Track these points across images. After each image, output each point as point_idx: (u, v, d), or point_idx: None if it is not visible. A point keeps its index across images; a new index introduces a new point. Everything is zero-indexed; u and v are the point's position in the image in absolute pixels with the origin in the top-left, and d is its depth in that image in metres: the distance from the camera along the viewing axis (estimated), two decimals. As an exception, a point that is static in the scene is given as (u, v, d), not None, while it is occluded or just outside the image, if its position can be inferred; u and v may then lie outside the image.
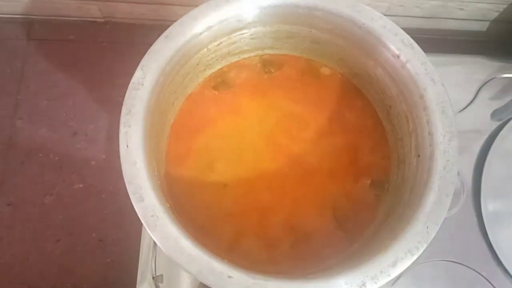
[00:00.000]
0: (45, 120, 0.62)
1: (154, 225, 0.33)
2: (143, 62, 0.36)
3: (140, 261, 0.49)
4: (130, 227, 0.59)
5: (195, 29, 0.38)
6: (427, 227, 0.34)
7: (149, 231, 0.33)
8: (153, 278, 0.48)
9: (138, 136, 0.35)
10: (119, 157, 0.34)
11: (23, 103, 0.63)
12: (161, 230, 0.32)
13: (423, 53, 0.38)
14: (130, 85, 0.36)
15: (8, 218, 0.59)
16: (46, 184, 0.60)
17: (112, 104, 0.63)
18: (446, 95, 0.37)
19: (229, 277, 0.32)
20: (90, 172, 0.60)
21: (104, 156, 0.61)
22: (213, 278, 0.32)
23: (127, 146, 0.34)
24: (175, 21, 0.65)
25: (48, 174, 0.60)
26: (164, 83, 0.38)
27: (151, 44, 0.65)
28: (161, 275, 0.48)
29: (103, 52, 0.65)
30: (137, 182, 0.33)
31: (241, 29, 0.41)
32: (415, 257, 0.33)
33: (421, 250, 0.33)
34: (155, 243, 0.49)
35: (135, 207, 0.33)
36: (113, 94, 0.64)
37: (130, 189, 0.33)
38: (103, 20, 0.66)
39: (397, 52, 0.39)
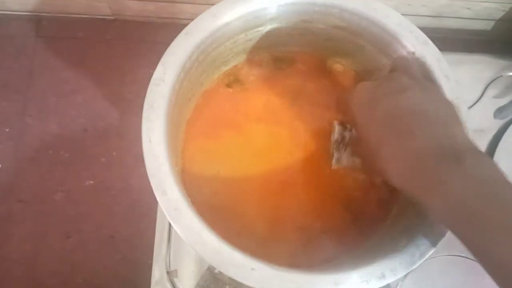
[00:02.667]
0: (54, 117, 0.62)
1: (177, 218, 0.33)
2: (164, 58, 0.37)
3: (154, 256, 0.49)
4: (141, 223, 0.59)
5: (214, 25, 0.38)
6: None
7: (173, 224, 0.33)
8: (167, 273, 0.49)
9: (160, 131, 0.35)
10: (140, 153, 0.34)
11: (32, 100, 0.63)
12: (184, 223, 0.33)
13: (438, 50, 0.39)
14: (152, 81, 0.36)
15: (18, 215, 0.59)
16: (56, 180, 0.60)
17: (121, 101, 0.63)
18: (460, 92, 0.38)
19: (252, 269, 0.32)
20: (100, 169, 0.61)
21: (114, 153, 0.61)
22: (236, 270, 0.32)
23: (150, 140, 0.35)
24: (183, 18, 0.66)
25: (58, 170, 0.60)
26: (184, 79, 0.38)
27: (159, 42, 0.65)
28: (175, 270, 0.49)
29: (112, 49, 0.66)
30: (160, 176, 0.34)
31: (258, 26, 0.42)
32: (432, 250, 0.34)
33: (438, 243, 0.34)
34: (169, 238, 0.50)
35: (158, 200, 0.33)
36: (123, 91, 0.64)
37: (153, 183, 0.34)
38: (112, 17, 0.66)
39: (412, 49, 0.39)
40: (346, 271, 0.33)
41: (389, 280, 0.33)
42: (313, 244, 0.40)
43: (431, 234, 0.34)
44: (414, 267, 0.33)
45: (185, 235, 0.33)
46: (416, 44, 0.39)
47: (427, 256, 0.34)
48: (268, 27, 0.43)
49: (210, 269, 0.49)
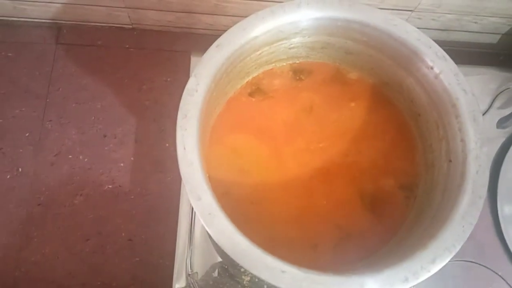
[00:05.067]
0: (74, 123, 0.64)
1: (211, 222, 0.35)
2: (197, 70, 0.39)
3: (175, 259, 0.51)
4: (159, 227, 0.60)
5: (243, 39, 0.40)
6: (463, 226, 0.37)
7: (206, 228, 0.35)
8: (188, 275, 0.50)
9: (194, 139, 0.37)
10: (176, 159, 0.36)
11: (52, 105, 0.64)
12: (217, 227, 0.35)
13: (455, 65, 0.41)
14: (185, 91, 0.38)
15: (38, 218, 0.60)
16: (76, 185, 0.62)
17: (139, 108, 0.65)
18: (477, 104, 0.40)
19: (282, 271, 0.34)
20: (119, 173, 0.62)
21: (132, 158, 0.63)
22: (267, 272, 0.34)
23: (184, 148, 0.36)
24: (201, 29, 0.68)
25: (78, 175, 0.62)
26: (214, 90, 0.40)
27: (177, 51, 0.68)
28: (196, 272, 0.50)
29: (130, 57, 0.67)
30: (194, 182, 0.36)
31: (282, 39, 0.44)
32: (452, 254, 0.36)
33: (458, 248, 0.36)
34: (190, 241, 0.51)
35: (193, 205, 0.35)
36: (140, 98, 0.66)
37: (188, 189, 0.35)
38: (130, 26, 0.68)
39: (431, 64, 0.41)
40: (370, 274, 0.35)
41: (412, 283, 0.35)
42: (341, 246, 0.42)
43: (450, 238, 0.36)
44: (435, 270, 0.35)
45: (218, 239, 0.34)
46: (435, 59, 0.41)
47: (447, 261, 0.36)
48: (292, 40, 0.45)
49: (223, 271, 0.50)
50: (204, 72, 0.39)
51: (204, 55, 0.39)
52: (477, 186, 0.38)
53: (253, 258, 0.34)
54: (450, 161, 0.40)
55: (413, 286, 0.52)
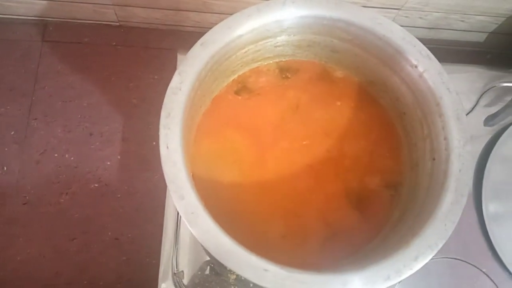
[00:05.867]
0: (60, 121, 0.63)
1: (195, 222, 0.35)
2: (181, 67, 0.38)
3: (161, 257, 0.51)
4: (146, 225, 0.60)
5: (228, 37, 0.40)
6: (445, 224, 0.37)
7: (190, 228, 0.34)
8: (174, 274, 0.50)
9: (177, 138, 0.37)
10: (155, 158, 0.36)
11: (38, 103, 0.64)
12: (201, 227, 0.34)
13: (439, 63, 0.41)
14: (169, 90, 0.38)
15: (24, 217, 0.60)
16: (62, 183, 0.61)
17: (126, 106, 0.65)
18: (460, 103, 0.40)
19: (265, 270, 0.34)
20: (105, 172, 0.62)
21: (119, 157, 0.62)
22: (250, 271, 0.34)
23: (168, 147, 0.36)
24: (188, 26, 0.68)
25: (64, 173, 0.61)
26: (198, 88, 0.40)
27: (164, 48, 0.67)
28: (182, 271, 0.50)
29: (117, 55, 0.67)
30: (177, 182, 0.35)
31: (268, 38, 0.44)
32: (434, 252, 0.36)
33: (440, 246, 0.36)
34: (176, 240, 0.51)
35: (176, 205, 0.35)
36: (127, 96, 0.65)
37: (171, 188, 0.35)
38: (117, 24, 0.67)
39: (415, 63, 0.41)
40: (353, 272, 0.35)
41: (395, 281, 0.35)
42: (327, 244, 0.42)
43: (433, 236, 0.36)
44: (417, 268, 0.35)
45: (201, 238, 0.34)
46: (419, 58, 0.41)
47: (429, 259, 0.36)
48: (278, 38, 0.44)
49: (210, 270, 0.50)
50: (188, 70, 0.38)
51: (189, 53, 0.39)
52: (460, 185, 0.38)
53: (236, 257, 0.34)
54: (434, 159, 0.41)
55: (399, 283, 0.52)
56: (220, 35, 0.40)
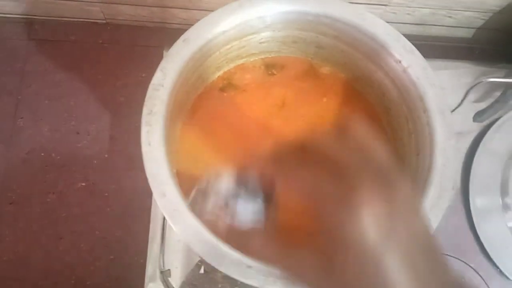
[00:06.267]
0: (46, 120, 0.63)
1: (177, 219, 0.34)
2: (163, 64, 0.38)
3: (148, 256, 0.50)
4: (133, 224, 0.60)
5: (211, 33, 0.40)
6: (430, 219, 0.37)
7: (172, 225, 0.34)
8: (161, 272, 0.50)
9: (159, 135, 0.36)
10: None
11: (24, 102, 0.63)
12: (183, 224, 0.34)
13: (423, 58, 0.41)
14: (151, 86, 0.38)
15: (10, 217, 0.59)
16: (49, 183, 0.61)
17: (113, 104, 0.64)
18: (445, 98, 0.40)
19: (249, 267, 0.34)
20: (92, 171, 0.61)
21: (106, 155, 0.62)
22: (234, 268, 0.34)
23: (149, 144, 0.36)
24: (175, 23, 0.67)
25: (50, 173, 0.61)
26: (181, 85, 0.40)
27: (151, 46, 0.67)
28: (169, 269, 0.50)
29: (104, 53, 0.66)
30: (159, 179, 0.35)
31: (252, 34, 0.43)
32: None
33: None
34: (163, 238, 0.51)
35: (158, 202, 0.35)
36: (115, 95, 0.65)
37: (152, 185, 0.35)
38: (104, 21, 0.67)
39: (399, 58, 0.41)
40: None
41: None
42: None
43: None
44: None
45: (184, 235, 0.34)
46: (403, 53, 0.41)
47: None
48: (262, 34, 0.44)
49: (197, 268, 0.50)
50: (170, 67, 0.38)
51: (171, 49, 0.39)
52: (444, 179, 0.38)
53: (219, 254, 0.34)
54: (418, 155, 0.41)
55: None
56: (202, 31, 0.40)
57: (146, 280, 0.50)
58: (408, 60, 0.41)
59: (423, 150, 0.40)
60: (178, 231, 0.34)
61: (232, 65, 0.48)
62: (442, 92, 0.40)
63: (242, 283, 0.34)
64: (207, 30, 0.40)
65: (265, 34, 0.44)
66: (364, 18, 0.42)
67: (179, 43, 0.39)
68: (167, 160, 0.36)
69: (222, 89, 0.48)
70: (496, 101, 0.60)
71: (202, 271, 0.50)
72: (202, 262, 0.50)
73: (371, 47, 0.43)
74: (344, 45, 0.44)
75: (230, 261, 0.34)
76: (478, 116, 0.62)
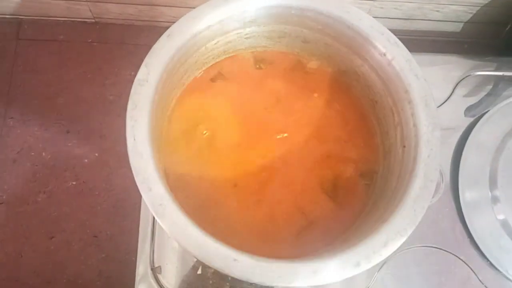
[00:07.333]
0: (36, 119, 0.63)
1: (162, 213, 0.34)
2: (147, 59, 0.38)
3: (138, 253, 0.50)
4: (124, 222, 0.60)
5: (195, 28, 0.40)
6: (415, 210, 0.37)
7: (158, 219, 0.34)
8: (151, 269, 0.50)
9: (144, 130, 0.36)
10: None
11: (13, 102, 0.63)
12: (169, 219, 0.34)
13: (407, 50, 0.41)
14: (135, 81, 0.38)
15: (1, 216, 0.59)
16: (39, 182, 0.61)
17: (103, 103, 0.64)
18: (429, 90, 0.40)
19: (235, 260, 0.34)
20: (83, 169, 0.61)
21: (96, 154, 0.62)
22: (220, 261, 0.34)
23: (134, 139, 0.36)
24: (163, 21, 0.67)
25: (41, 172, 0.61)
26: (166, 80, 0.40)
27: (140, 44, 0.67)
28: (159, 266, 0.50)
29: (93, 52, 0.66)
30: (144, 173, 0.35)
31: (237, 28, 0.43)
32: (404, 238, 0.36)
33: (410, 232, 0.36)
34: (153, 235, 0.51)
35: (143, 196, 0.35)
36: (104, 93, 0.65)
37: (138, 180, 0.35)
38: (93, 20, 0.67)
39: (384, 50, 0.42)
40: (323, 260, 0.35)
41: (365, 267, 0.35)
42: (303, 234, 0.42)
43: (402, 222, 0.36)
44: (387, 254, 0.35)
45: (170, 230, 0.34)
46: (387, 46, 0.41)
47: (399, 245, 0.36)
48: (247, 29, 0.44)
49: (195, 268, 0.50)
50: (154, 62, 0.38)
51: (155, 44, 0.39)
52: (429, 170, 0.38)
53: (205, 247, 0.34)
54: (404, 146, 0.41)
55: (378, 273, 0.52)
56: (186, 26, 0.40)
57: (137, 277, 0.50)
58: (392, 53, 0.41)
59: (409, 142, 0.40)
60: (164, 225, 0.34)
61: (218, 60, 0.48)
62: (426, 83, 0.40)
63: (233, 278, 0.34)
64: (191, 25, 0.40)
65: (250, 29, 0.44)
66: (348, 11, 0.42)
67: (163, 38, 0.39)
68: (152, 155, 0.36)
69: (210, 82, 0.48)
70: (488, 94, 0.61)
71: (199, 271, 0.50)
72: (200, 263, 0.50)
73: (356, 41, 0.43)
74: (329, 38, 0.45)
75: (217, 254, 0.34)
76: (469, 111, 0.62)
